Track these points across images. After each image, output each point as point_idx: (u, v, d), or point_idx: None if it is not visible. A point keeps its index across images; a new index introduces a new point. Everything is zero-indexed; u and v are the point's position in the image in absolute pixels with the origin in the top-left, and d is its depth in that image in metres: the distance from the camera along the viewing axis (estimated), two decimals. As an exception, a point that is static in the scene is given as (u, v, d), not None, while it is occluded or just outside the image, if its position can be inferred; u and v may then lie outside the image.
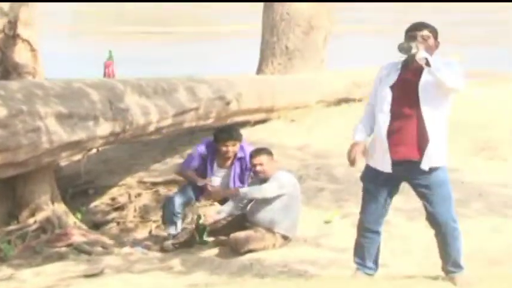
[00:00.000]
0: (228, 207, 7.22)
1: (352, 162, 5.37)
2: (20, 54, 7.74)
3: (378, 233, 5.57)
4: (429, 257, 6.30)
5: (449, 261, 5.47)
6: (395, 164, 5.27)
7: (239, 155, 7.66)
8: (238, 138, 7.68)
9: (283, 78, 11.27)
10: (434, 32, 5.30)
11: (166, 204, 7.73)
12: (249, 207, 7.04)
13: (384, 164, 5.31)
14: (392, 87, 5.31)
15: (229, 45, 29.19)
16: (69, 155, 7.50)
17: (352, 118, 10.47)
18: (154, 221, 8.74)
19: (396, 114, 5.25)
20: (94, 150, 8.94)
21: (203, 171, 7.74)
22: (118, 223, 8.87)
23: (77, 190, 9.23)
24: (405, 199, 6.68)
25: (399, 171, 5.29)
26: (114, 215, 8.97)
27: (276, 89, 10.56)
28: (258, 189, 6.88)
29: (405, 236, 6.86)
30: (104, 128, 7.41)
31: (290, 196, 6.86)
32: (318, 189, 8.02)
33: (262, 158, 7.05)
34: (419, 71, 5.22)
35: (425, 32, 5.25)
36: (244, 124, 10.21)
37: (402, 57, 5.29)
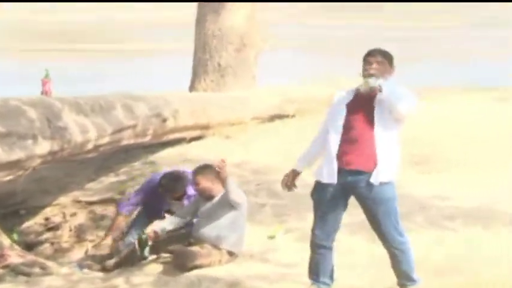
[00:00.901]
0: (171, 224, 7.15)
1: (285, 188, 5.71)
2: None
3: (330, 248, 5.64)
4: (374, 270, 6.37)
5: (401, 275, 5.56)
6: (341, 173, 5.35)
7: (189, 192, 7.57)
8: None
9: (218, 95, 11.30)
10: (389, 58, 5.43)
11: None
12: (194, 222, 6.99)
13: (330, 175, 5.38)
14: (348, 105, 5.42)
15: (154, 62, 29.02)
16: (6, 175, 7.30)
17: (286, 134, 10.61)
18: (90, 241, 8.63)
19: (348, 128, 5.36)
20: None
21: (154, 205, 7.66)
22: (52, 243, 8.73)
23: (8, 211, 9.03)
24: (346, 213, 6.73)
25: (346, 182, 5.37)
26: (48, 235, 8.83)
27: (211, 105, 10.57)
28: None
29: (349, 251, 6.89)
30: (43, 147, 7.26)
31: (239, 211, 6.84)
32: (259, 205, 8.03)
33: (199, 178, 6.99)
34: (375, 93, 5.36)
35: (379, 58, 5.38)
36: (179, 141, 10.19)
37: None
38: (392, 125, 5.35)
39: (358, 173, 5.35)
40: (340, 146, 5.36)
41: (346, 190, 5.43)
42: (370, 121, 5.31)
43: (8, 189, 9.17)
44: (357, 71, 5.54)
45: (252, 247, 7.03)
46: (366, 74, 5.36)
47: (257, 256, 6.89)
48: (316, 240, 5.57)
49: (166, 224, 7.16)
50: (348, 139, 5.35)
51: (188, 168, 8.65)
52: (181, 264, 6.70)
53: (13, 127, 6.94)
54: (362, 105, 5.37)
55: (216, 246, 6.78)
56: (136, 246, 7.09)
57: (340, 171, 5.36)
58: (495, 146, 9.35)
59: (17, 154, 6.94)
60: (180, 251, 6.77)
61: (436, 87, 14.62)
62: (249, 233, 7.24)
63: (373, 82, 5.29)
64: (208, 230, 6.81)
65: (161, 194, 7.57)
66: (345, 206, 5.55)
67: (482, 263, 6.31)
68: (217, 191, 6.92)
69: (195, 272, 6.57)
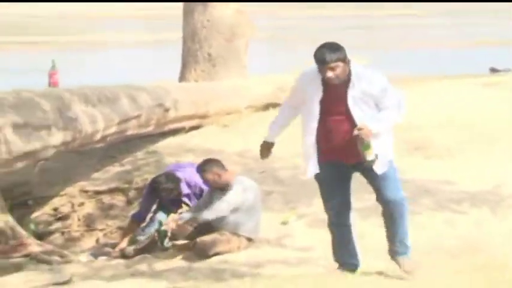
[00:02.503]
0: (188, 214, 7.31)
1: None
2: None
3: (347, 226, 5.81)
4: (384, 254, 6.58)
5: (396, 241, 5.74)
6: (340, 165, 5.63)
7: (185, 191, 7.71)
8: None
9: (213, 84, 11.44)
10: (341, 56, 5.42)
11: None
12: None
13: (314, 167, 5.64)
14: (321, 102, 5.53)
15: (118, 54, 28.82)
16: (23, 165, 7.43)
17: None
18: (100, 230, 8.77)
19: (329, 124, 5.53)
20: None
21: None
22: (62, 233, 8.86)
23: (16, 202, 9.11)
24: (356, 198, 6.92)
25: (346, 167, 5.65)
26: (57, 225, 8.94)
27: (208, 95, 10.73)
28: (210, 211, 6.97)
29: (360, 235, 7.10)
30: (57, 138, 7.37)
31: (254, 198, 7.03)
32: (266, 192, 8.17)
33: (204, 174, 7.18)
34: (345, 84, 5.47)
35: (332, 64, 5.40)
36: (178, 131, 10.33)
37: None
38: (370, 109, 5.47)
39: (357, 163, 5.57)
40: (325, 141, 5.55)
41: (349, 169, 5.68)
42: (348, 112, 5.46)
43: (9, 181, 9.26)
44: None
45: (267, 233, 7.22)
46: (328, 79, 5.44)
47: (274, 242, 7.09)
48: (332, 219, 5.77)
49: (183, 214, 7.35)
50: (332, 135, 5.52)
51: (191, 160, 8.84)
52: (202, 251, 6.89)
53: (29, 118, 7.05)
54: (335, 99, 5.49)
55: (234, 233, 6.97)
56: (156, 238, 7.27)
57: (339, 163, 5.58)
58: (491, 130, 9.59)
59: (33, 145, 7.05)
60: (200, 241, 6.95)
61: (413, 76, 14.87)
62: (261, 219, 7.44)
63: (371, 157, 5.43)
64: (227, 218, 6.99)
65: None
66: (349, 179, 5.72)
67: (495, 244, 6.57)
68: (225, 180, 7.10)
69: (216, 258, 6.77)
